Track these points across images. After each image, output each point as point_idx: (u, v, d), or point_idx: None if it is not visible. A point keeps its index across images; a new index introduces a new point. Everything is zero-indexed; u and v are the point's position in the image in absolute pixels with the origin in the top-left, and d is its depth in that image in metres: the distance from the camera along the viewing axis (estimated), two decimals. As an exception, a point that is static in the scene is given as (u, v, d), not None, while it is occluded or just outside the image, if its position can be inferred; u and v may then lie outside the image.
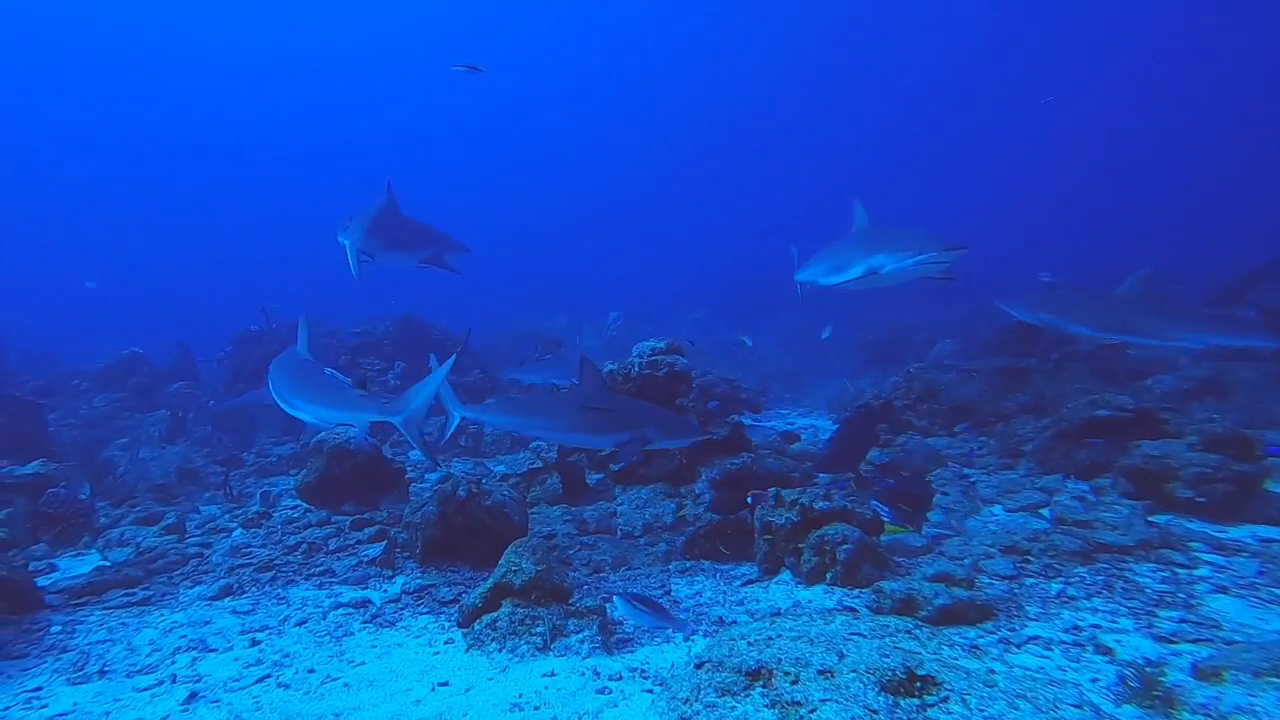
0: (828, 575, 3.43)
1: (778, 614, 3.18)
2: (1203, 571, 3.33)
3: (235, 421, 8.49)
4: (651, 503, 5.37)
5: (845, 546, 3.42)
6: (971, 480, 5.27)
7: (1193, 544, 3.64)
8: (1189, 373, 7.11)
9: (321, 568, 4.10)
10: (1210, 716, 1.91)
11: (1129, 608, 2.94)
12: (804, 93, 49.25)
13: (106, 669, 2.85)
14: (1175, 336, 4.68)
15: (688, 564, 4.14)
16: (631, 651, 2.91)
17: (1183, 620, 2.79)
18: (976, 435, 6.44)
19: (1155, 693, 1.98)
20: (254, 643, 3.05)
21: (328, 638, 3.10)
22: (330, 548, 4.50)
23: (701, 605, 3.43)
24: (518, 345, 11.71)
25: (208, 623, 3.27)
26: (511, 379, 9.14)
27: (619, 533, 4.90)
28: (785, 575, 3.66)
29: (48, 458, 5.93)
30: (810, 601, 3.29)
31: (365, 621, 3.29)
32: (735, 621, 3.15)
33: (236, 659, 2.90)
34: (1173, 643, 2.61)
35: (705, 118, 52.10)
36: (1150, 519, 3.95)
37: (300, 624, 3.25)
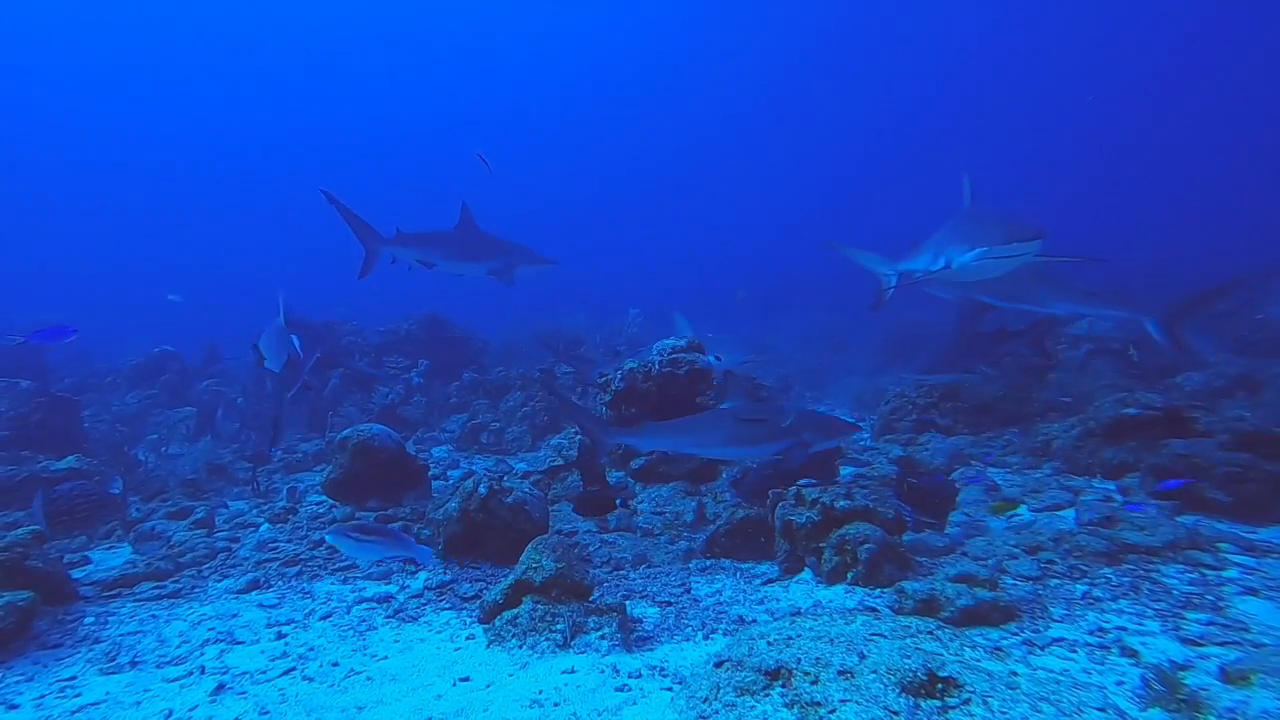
0: (849, 575, 3.37)
1: (798, 613, 3.12)
2: (1231, 573, 3.22)
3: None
4: (672, 501, 5.34)
5: (867, 546, 3.35)
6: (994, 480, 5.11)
7: (1221, 545, 3.52)
8: (1221, 370, 6.81)
9: (346, 563, 4.17)
10: (1238, 722, 1.81)
11: (1155, 610, 2.86)
12: (821, 91, 48.33)
13: (137, 660, 2.93)
14: (1059, 305, 5.82)
15: (708, 562, 4.10)
16: (651, 649, 2.88)
17: (1210, 623, 2.71)
18: (1002, 434, 6.24)
19: (1180, 695, 1.91)
20: (279, 636, 3.12)
21: (351, 632, 3.15)
22: (354, 543, 4.57)
23: (722, 604, 3.39)
24: (536, 344, 11.77)
25: (235, 616, 3.35)
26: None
27: (639, 530, 4.88)
28: (806, 574, 3.60)
29: (82, 453, 6.18)
30: (831, 601, 3.24)
31: (388, 616, 3.34)
32: (755, 620, 3.11)
33: (263, 652, 2.96)
34: (1200, 645, 2.53)
35: (724, 115, 51.58)
36: (1178, 519, 3.81)
37: (325, 618, 3.31)
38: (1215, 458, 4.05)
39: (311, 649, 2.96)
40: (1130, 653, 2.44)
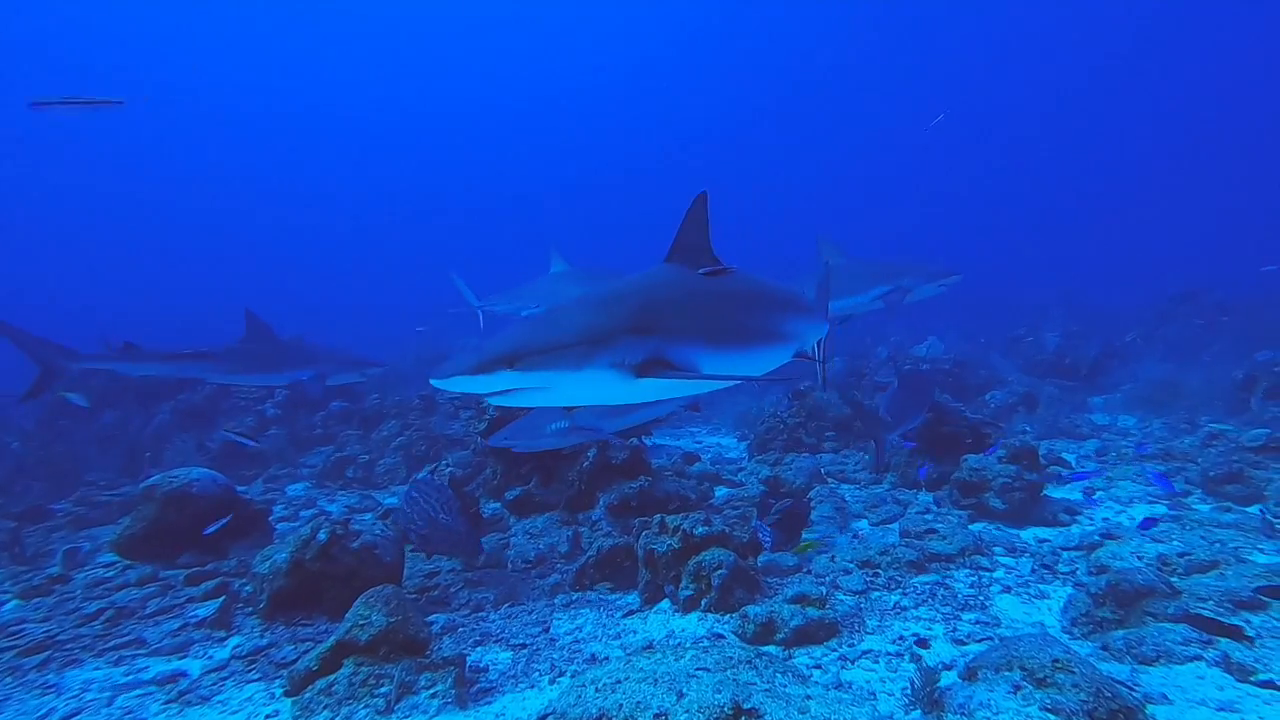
0: (702, 602, 3.44)
1: (649, 647, 3.12)
2: (999, 574, 3.75)
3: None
4: (547, 531, 5.16)
5: (720, 572, 3.46)
6: (843, 496, 5.64)
7: (996, 548, 4.12)
8: (1013, 388, 8.31)
9: (128, 637, 3.42)
10: (964, 714, 2.12)
11: (943, 613, 3.23)
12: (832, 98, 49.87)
13: None
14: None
15: (574, 596, 3.98)
16: (489, 702, 2.69)
17: (977, 621, 3.11)
18: (856, 450, 6.95)
19: (933, 696, 2.15)
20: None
21: (105, 731, 2.54)
22: (147, 611, 3.79)
23: (580, 640, 3.29)
24: (420, 368, 10.97)
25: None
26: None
27: (509, 565, 4.62)
28: (665, 604, 3.62)
29: None
30: (684, 630, 3.28)
31: (168, 701, 2.76)
32: (608, 658, 3.05)
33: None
34: (965, 644, 2.89)
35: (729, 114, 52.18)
36: (971, 527, 4.43)
37: (68, 718, 2.64)
38: (994, 470, 4.83)
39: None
40: (917, 658, 2.73)
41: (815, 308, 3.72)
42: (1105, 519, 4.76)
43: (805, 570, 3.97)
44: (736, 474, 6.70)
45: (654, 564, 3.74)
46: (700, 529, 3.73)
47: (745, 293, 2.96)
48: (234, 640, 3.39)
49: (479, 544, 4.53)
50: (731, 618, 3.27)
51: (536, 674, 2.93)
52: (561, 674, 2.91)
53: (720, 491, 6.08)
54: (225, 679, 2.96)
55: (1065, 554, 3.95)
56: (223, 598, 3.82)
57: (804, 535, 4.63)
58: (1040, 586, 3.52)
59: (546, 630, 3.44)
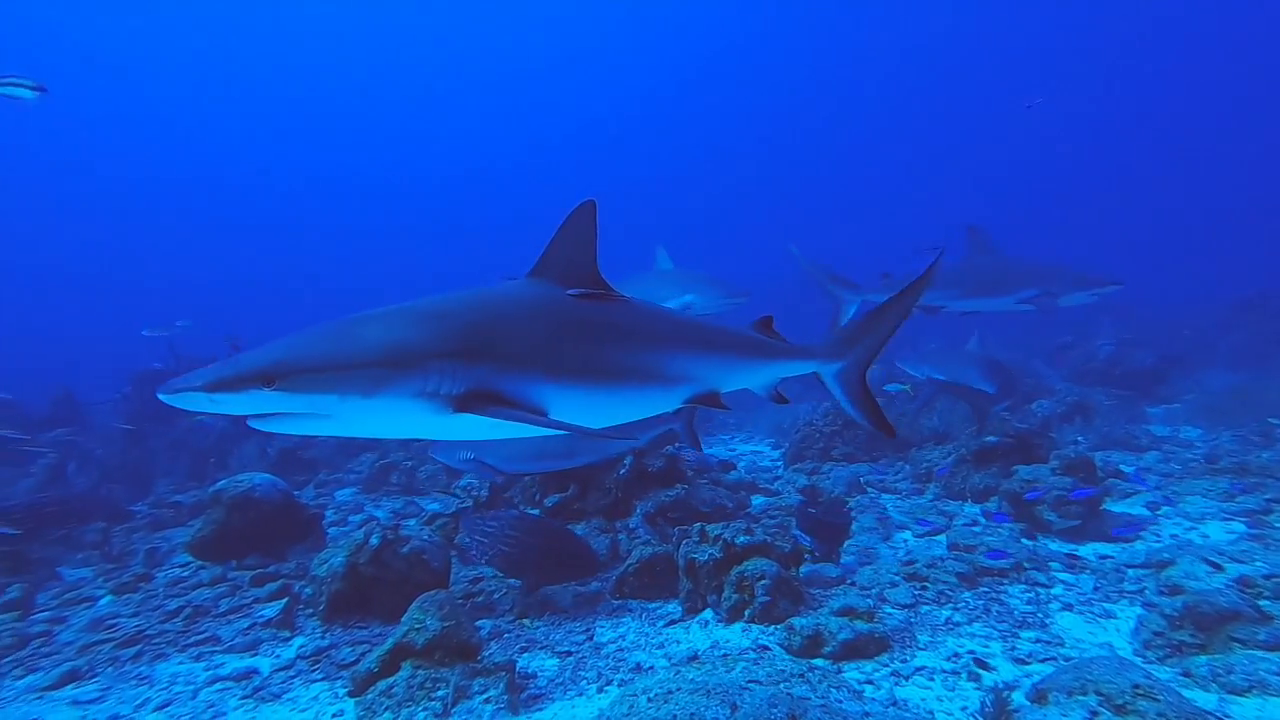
0: (745, 613, 3.44)
1: (694, 657, 3.13)
2: (1057, 590, 3.61)
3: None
4: (586, 539, 5.24)
5: (763, 583, 3.45)
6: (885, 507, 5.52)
7: (1053, 564, 3.96)
8: (1061, 397, 7.92)
9: (205, 634, 3.68)
10: (1035, 738, 2.03)
11: (999, 630, 3.13)
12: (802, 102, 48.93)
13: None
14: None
15: (615, 604, 4.03)
16: (540, 709, 2.77)
17: (1038, 640, 3.01)
18: (895, 460, 6.78)
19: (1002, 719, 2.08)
20: (94, 738, 2.65)
21: (192, 722, 2.75)
22: (220, 610, 4.06)
23: (624, 649, 3.34)
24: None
25: (32, 722, 2.81)
26: None
27: (549, 574, 4.72)
28: (707, 614, 3.64)
29: None
30: (728, 641, 3.28)
31: (245, 697, 2.96)
32: (652, 668, 3.08)
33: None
34: (1027, 663, 2.79)
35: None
36: (1023, 541, 4.27)
37: (161, 708, 2.87)
38: (1049, 481, 4.64)
39: (135, 751, 2.55)
40: (975, 677, 2.66)
41: (750, 344, 2.93)
42: (1174, 535, 4.50)
43: (849, 582, 3.91)
44: (773, 482, 6.65)
45: (695, 573, 3.76)
46: (742, 538, 3.73)
47: (626, 322, 2.37)
48: (298, 640, 3.59)
49: (588, 549, 4.13)
50: (777, 629, 3.25)
51: (584, 682, 2.99)
52: (609, 682, 2.96)
53: (757, 500, 6.04)
54: (293, 677, 3.14)
55: (1131, 571, 3.76)
56: (285, 599, 4.05)
57: (844, 546, 4.56)
58: (1105, 605, 3.37)
59: (590, 638, 3.51)
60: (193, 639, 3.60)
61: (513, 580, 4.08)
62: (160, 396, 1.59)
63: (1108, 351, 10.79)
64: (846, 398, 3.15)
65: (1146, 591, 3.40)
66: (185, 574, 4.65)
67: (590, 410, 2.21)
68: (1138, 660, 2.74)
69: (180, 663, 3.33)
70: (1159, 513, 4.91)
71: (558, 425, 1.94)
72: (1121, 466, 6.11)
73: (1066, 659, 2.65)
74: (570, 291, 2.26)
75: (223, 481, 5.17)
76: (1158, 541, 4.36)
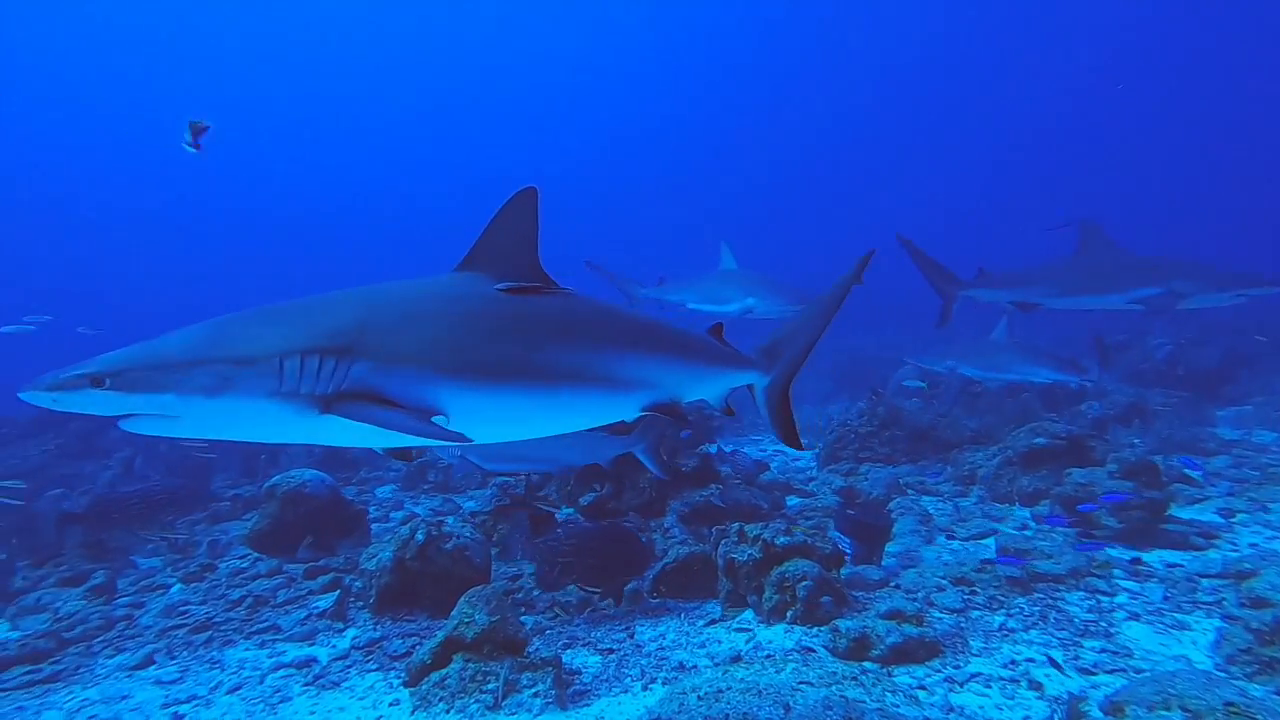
0: (788, 614, 3.41)
1: (737, 658, 3.12)
2: (1121, 599, 3.45)
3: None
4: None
5: (805, 584, 3.41)
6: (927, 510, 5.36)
7: (1114, 571, 3.79)
8: (1114, 399, 7.50)
9: (266, 623, 3.88)
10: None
11: (1059, 639, 3.01)
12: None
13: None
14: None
15: (654, 602, 4.05)
16: (588, 704, 2.81)
17: (1103, 650, 2.88)
18: (936, 461, 6.57)
19: None
20: (176, 717, 2.85)
21: (262, 705, 2.91)
22: (278, 600, 4.27)
23: (665, 648, 3.35)
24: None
25: (125, 697, 3.03)
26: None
27: (585, 571, 4.77)
28: (748, 614, 3.61)
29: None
30: (771, 642, 3.26)
31: (307, 684, 3.11)
32: (696, 667, 3.09)
33: (155, 738, 2.68)
34: (1093, 674, 2.68)
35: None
36: (1079, 546, 4.08)
37: (233, 691, 3.05)
38: (1106, 485, 4.41)
39: (213, 730, 2.71)
40: (1036, 685, 2.56)
41: (711, 349, 2.67)
42: (1253, 545, 4.21)
43: (893, 585, 3.82)
44: (807, 483, 6.54)
45: (734, 573, 3.74)
46: (781, 539, 3.69)
47: (562, 319, 2.09)
48: (351, 631, 3.74)
49: (645, 549, 4.09)
50: (821, 631, 3.21)
51: (628, 679, 3.02)
52: (653, 680, 2.98)
53: (791, 501, 5.96)
54: (349, 667, 3.28)
55: (1205, 581, 3.54)
56: (338, 591, 4.23)
57: (886, 548, 4.45)
58: (1177, 616, 3.19)
59: (631, 636, 3.53)
60: (255, 627, 3.80)
61: (592, 589, 4.11)
62: (20, 394, 1.54)
63: (1166, 351, 10.16)
64: (771, 412, 2.94)
65: (1225, 603, 3.21)
66: (244, 565, 4.91)
67: (514, 417, 1.99)
68: (1220, 676, 2.58)
69: (246, 649, 3.53)
70: (1234, 519, 4.61)
71: (443, 435, 1.68)
72: (1187, 471, 5.75)
73: (1137, 671, 2.52)
74: (498, 285, 2.01)
75: (276, 477, 5.43)
76: (1234, 551, 4.09)
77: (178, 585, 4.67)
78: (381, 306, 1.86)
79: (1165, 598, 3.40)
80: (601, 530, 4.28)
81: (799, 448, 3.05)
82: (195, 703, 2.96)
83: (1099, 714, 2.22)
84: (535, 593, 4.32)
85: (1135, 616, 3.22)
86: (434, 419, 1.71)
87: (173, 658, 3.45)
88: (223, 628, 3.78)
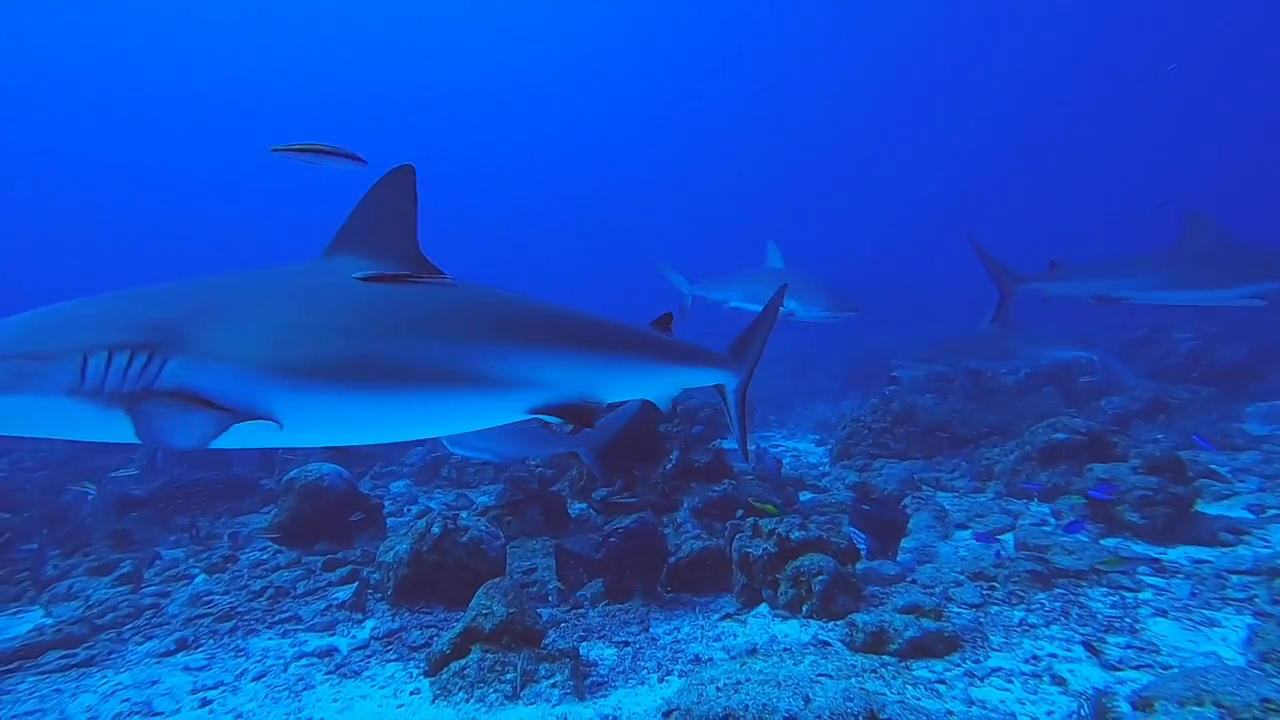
0: (804, 608, 3.40)
1: (753, 651, 3.12)
2: (1146, 595, 3.39)
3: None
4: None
5: (820, 578, 3.39)
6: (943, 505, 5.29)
7: (1139, 567, 3.72)
8: (1136, 394, 7.34)
9: (288, 614, 3.95)
10: (1145, 748, 1.90)
11: (1082, 635, 2.96)
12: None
13: (34, 744, 2.67)
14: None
15: (668, 596, 4.06)
16: (605, 695, 2.82)
17: (1128, 646, 2.83)
18: (951, 457, 6.49)
19: None
20: (204, 703, 2.90)
21: (286, 693, 2.96)
22: (298, 591, 4.34)
23: (680, 641, 3.36)
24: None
25: (155, 683, 3.10)
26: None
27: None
28: (763, 608, 3.60)
29: (3, 507, 5.69)
30: (786, 636, 3.25)
31: (329, 673, 3.16)
32: (711, 659, 3.09)
33: (184, 722, 2.75)
34: (1118, 670, 2.64)
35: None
36: (1102, 542, 4.03)
37: (258, 678, 3.11)
38: (1130, 481, 4.32)
39: (239, 717, 2.76)
40: (1060, 680, 2.53)
41: (643, 343, 2.45)
42: (1287, 542, 4.10)
43: (910, 580, 3.79)
44: (820, 479, 6.50)
45: (749, 568, 3.73)
46: (796, 533, 3.67)
47: (431, 310, 1.87)
48: (370, 622, 3.80)
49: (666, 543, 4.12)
50: (837, 625, 3.20)
51: (644, 671, 3.03)
52: (669, 672, 2.98)
53: (804, 496, 5.93)
54: (369, 657, 3.33)
55: (1235, 578, 3.46)
56: (356, 583, 4.29)
57: (902, 543, 4.41)
58: (1205, 612, 3.12)
59: (646, 629, 3.54)
60: (278, 617, 3.87)
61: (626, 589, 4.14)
62: None
63: (1190, 346, 9.91)
64: (738, 414, 2.90)
65: (1258, 600, 3.14)
66: (265, 557, 5.00)
67: (359, 421, 1.78)
68: (1255, 673, 2.52)
69: (269, 638, 3.59)
70: (1264, 516, 4.49)
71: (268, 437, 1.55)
72: (1213, 466, 5.62)
73: (1165, 667, 2.47)
74: (356, 275, 1.82)
75: (294, 471, 5.52)
76: (1266, 547, 3.99)
77: (201, 575, 4.77)
78: (211, 298, 1.69)
79: (1193, 594, 3.33)
80: (642, 529, 4.29)
81: (747, 458, 3.15)
82: (223, 689, 3.02)
83: (1127, 708, 2.18)
84: (549, 585, 4.35)
85: (1162, 613, 3.16)
86: (265, 424, 1.57)
87: (200, 645, 3.53)
88: (246, 617, 3.85)
